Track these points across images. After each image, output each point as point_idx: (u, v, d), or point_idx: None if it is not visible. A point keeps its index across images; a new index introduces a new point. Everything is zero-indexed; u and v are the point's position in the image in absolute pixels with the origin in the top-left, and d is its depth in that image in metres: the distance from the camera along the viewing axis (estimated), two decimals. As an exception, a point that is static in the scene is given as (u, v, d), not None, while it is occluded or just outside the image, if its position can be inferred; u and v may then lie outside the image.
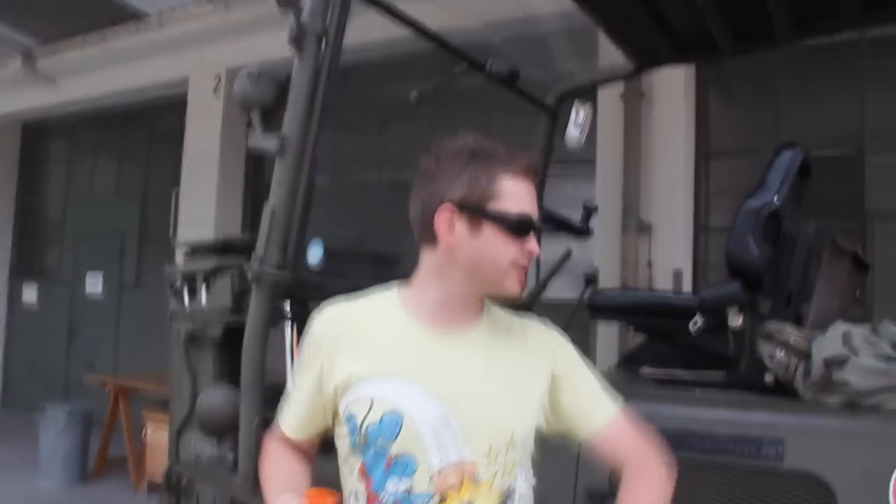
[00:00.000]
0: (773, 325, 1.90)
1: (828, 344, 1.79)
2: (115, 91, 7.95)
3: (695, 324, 1.97)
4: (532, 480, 1.42)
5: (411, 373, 1.34)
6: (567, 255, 3.05)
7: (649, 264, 5.02)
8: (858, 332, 1.83)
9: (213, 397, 2.30)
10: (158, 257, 8.34)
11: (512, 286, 1.36)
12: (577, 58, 4.81)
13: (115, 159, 9.15)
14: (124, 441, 6.40)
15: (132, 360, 8.02)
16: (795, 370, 1.84)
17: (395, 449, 1.31)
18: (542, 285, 3.07)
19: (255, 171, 7.80)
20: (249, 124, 2.14)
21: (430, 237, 1.36)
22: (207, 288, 2.57)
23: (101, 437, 6.57)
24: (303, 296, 2.42)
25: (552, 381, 1.42)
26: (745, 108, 5.61)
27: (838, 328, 1.83)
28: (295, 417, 1.46)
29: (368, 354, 1.36)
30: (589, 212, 2.99)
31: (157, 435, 5.98)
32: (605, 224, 5.07)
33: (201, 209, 7.43)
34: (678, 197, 5.22)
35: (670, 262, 5.06)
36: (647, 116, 5.30)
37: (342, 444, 1.38)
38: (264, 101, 2.15)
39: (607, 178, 5.35)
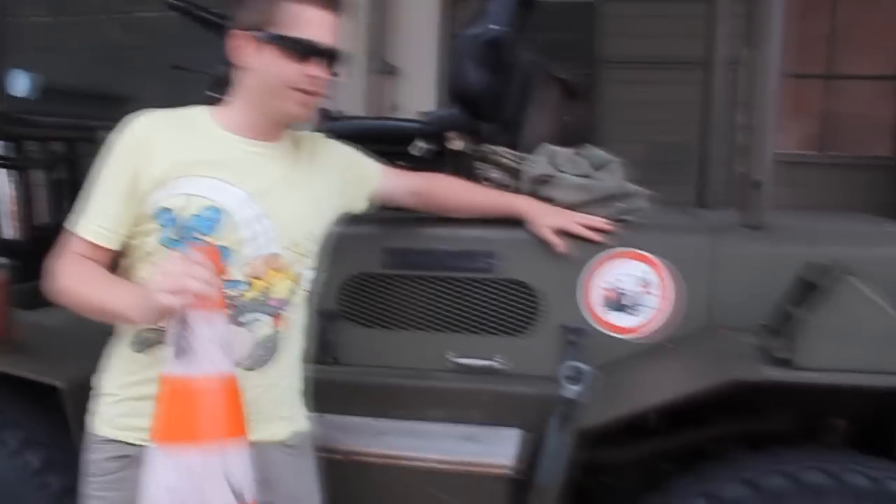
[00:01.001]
0: (488, 148, 2.04)
1: (535, 164, 1.95)
2: None
3: (416, 147, 2.05)
4: (314, 269, 1.62)
5: (228, 176, 1.46)
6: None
7: (394, 106, 5.10)
8: (563, 153, 2.00)
9: None
10: None
11: (294, 109, 1.49)
12: None
13: None
14: None
15: None
16: (508, 189, 2.00)
17: (214, 239, 1.42)
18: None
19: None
20: None
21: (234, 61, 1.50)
22: None
23: None
24: (15, 133, 2.21)
25: (341, 178, 1.68)
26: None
27: (546, 150, 1.99)
28: (104, 218, 1.45)
29: (184, 155, 1.45)
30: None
31: None
32: (350, 65, 5.04)
33: None
34: (425, 40, 5.28)
35: (416, 105, 5.18)
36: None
37: (148, 241, 1.45)
38: None
39: (353, 18, 5.25)
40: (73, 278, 1.45)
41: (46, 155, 2.58)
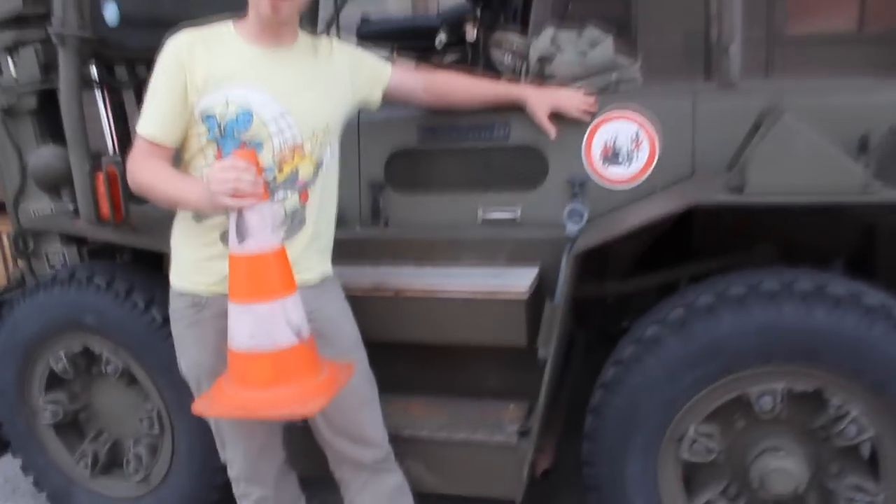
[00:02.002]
0: (501, 35, 2.38)
1: (540, 45, 2.28)
2: None
3: (438, 41, 2.42)
4: (336, 154, 1.98)
5: (255, 81, 1.78)
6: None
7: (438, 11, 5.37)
8: (565, 35, 2.32)
9: (44, 156, 2.56)
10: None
11: (265, 10, 1.74)
12: None
13: None
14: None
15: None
16: (520, 69, 2.34)
17: (247, 136, 1.77)
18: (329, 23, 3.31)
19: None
20: None
21: None
22: (13, 63, 2.72)
23: None
24: (107, 55, 2.65)
25: (352, 75, 1.98)
26: None
27: (549, 32, 2.31)
28: (162, 121, 1.78)
29: (218, 68, 1.76)
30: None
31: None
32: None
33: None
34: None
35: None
36: None
37: (196, 141, 1.80)
38: None
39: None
40: (145, 174, 1.80)
41: (132, 77, 3.02)
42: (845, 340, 1.80)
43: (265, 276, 1.68)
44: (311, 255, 1.95)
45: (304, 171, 1.87)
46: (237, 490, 2.13)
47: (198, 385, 1.98)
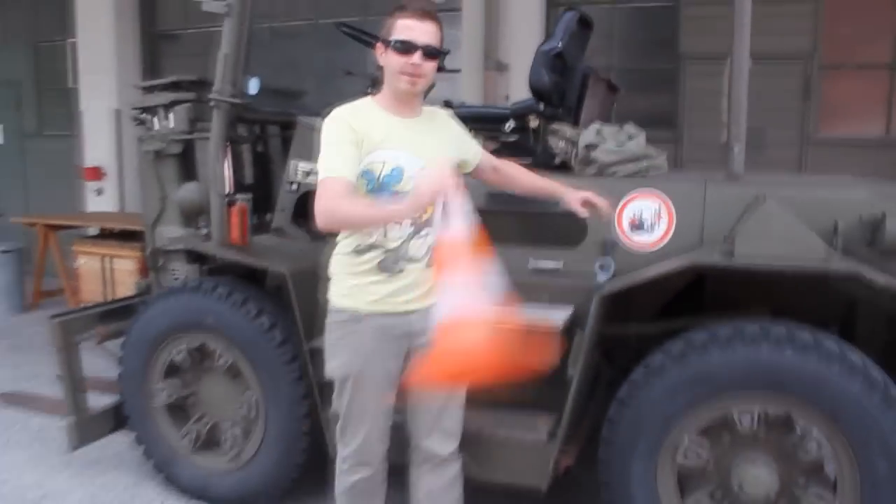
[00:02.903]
0: (557, 126, 3.02)
1: (587, 136, 2.92)
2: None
3: (507, 127, 3.07)
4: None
5: (398, 144, 2.23)
6: (430, 88, 4.02)
7: (506, 97, 6.11)
8: (608, 129, 2.96)
9: (190, 190, 3.25)
10: (58, 105, 8.77)
11: (404, 87, 2.22)
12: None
13: (-1, 8, 9.19)
14: (57, 274, 7.06)
15: (42, 203, 8.58)
16: (571, 154, 2.97)
17: (398, 187, 2.20)
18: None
19: (150, 21, 8.22)
20: (202, -7, 2.98)
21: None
22: (166, 117, 3.44)
23: (35, 272, 7.21)
24: (247, 117, 3.36)
25: (458, 145, 2.45)
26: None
27: (595, 126, 2.95)
28: (349, 165, 2.16)
29: (371, 133, 2.20)
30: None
31: (88, 263, 6.69)
32: (469, 63, 6.13)
33: (99, 57, 7.88)
34: (530, 40, 6.21)
35: (524, 94, 6.17)
36: (504, -30, 6.23)
37: (359, 189, 2.19)
38: (212, -24, 2.98)
39: (471, 24, 6.29)
40: (355, 208, 2.14)
41: (251, 134, 3.72)
42: (808, 376, 2.34)
43: (464, 254, 2.05)
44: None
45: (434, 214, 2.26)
46: (342, 467, 2.46)
47: (343, 382, 2.36)
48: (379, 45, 2.25)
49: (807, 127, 5.94)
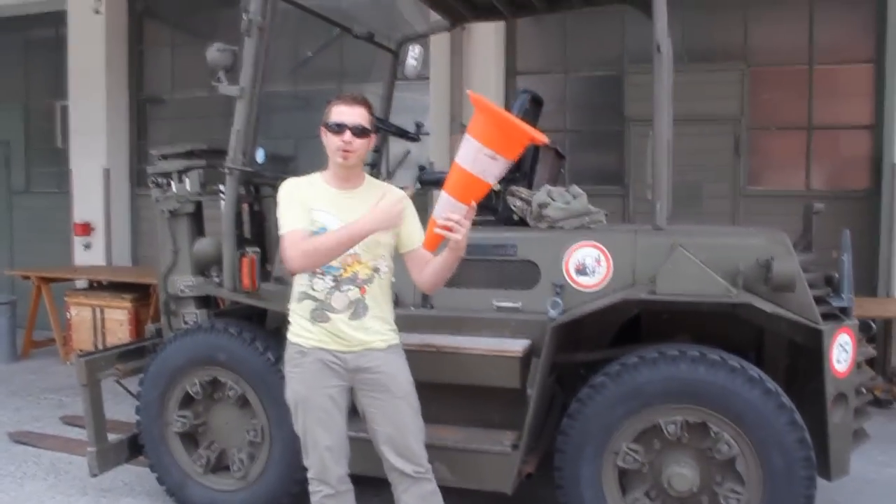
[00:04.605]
0: (515, 188, 3.64)
1: (540, 196, 3.52)
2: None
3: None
4: (390, 264, 2.76)
5: (332, 209, 2.63)
6: (406, 154, 4.64)
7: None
8: (556, 190, 3.57)
9: (205, 244, 3.78)
10: (46, 164, 9.22)
11: (339, 160, 2.61)
12: (415, 13, 6.32)
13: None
14: (49, 324, 7.46)
15: (28, 257, 9.00)
16: (527, 212, 3.57)
17: None
18: (390, 173, 4.69)
19: (138, 86, 8.78)
20: (218, 80, 3.55)
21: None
22: (180, 181, 3.98)
23: (27, 323, 7.60)
24: (255, 181, 3.92)
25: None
26: (542, 36, 7.32)
27: (546, 188, 3.57)
28: (301, 219, 2.58)
29: (310, 198, 2.63)
30: (418, 126, 4.57)
31: (80, 314, 7.20)
32: (437, 127, 6.79)
33: (91, 119, 8.39)
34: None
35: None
36: (467, 44, 6.92)
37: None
38: (227, 64, 3.56)
39: (439, 92, 6.97)
40: (313, 244, 2.51)
41: (249, 195, 4.26)
42: (717, 388, 2.92)
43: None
44: (377, 328, 2.71)
45: (363, 274, 2.66)
46: (310, 486, 2.75)
47: (295, 407, 2.72)
48: (322, 128, 2.63)
49: (738, 181, 6.67)
